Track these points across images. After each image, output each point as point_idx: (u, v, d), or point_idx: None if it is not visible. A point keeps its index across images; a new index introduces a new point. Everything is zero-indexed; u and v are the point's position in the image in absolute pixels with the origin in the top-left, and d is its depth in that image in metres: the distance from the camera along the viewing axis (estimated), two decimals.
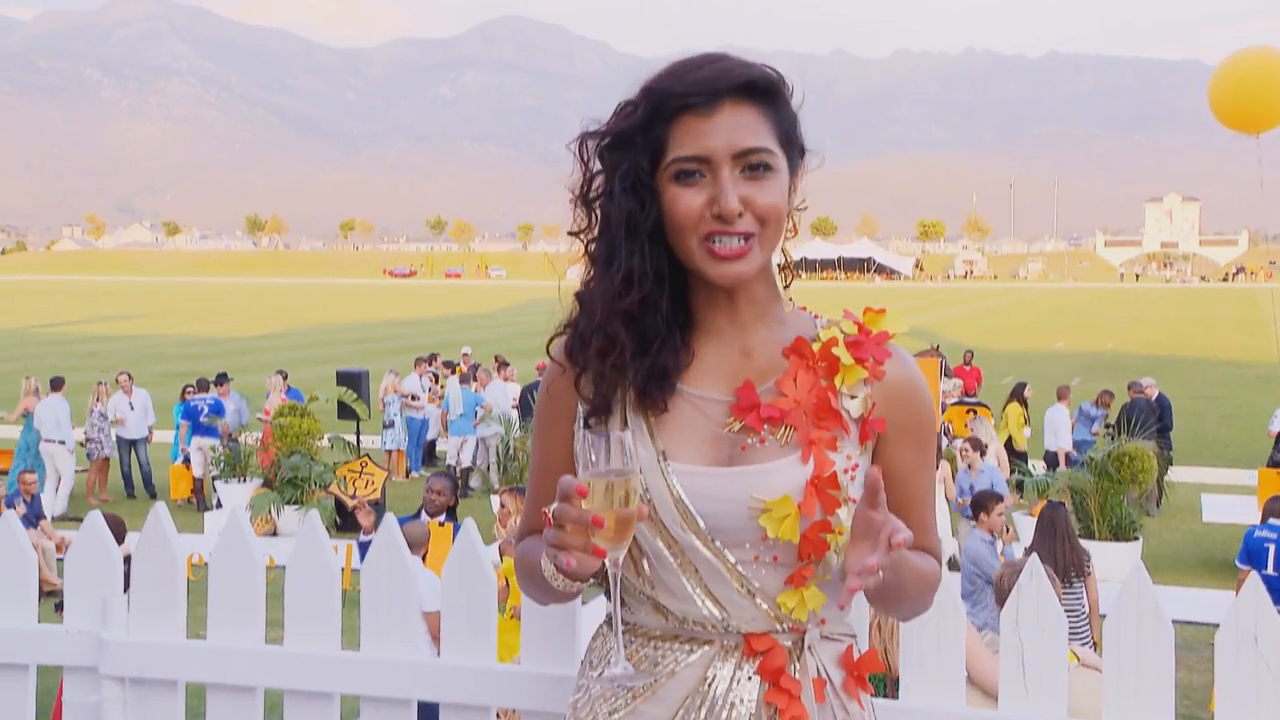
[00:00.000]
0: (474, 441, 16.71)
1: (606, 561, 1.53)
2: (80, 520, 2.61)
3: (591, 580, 1.63)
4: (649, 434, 1.65)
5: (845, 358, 1.65)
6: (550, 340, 1.75)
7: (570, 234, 1.70)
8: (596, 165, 1.66)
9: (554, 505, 1.50)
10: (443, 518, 7.79)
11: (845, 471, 1.63)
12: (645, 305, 1.64)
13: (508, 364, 19.15)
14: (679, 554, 1.63)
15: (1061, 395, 16.52)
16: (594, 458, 1.51)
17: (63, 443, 15.13)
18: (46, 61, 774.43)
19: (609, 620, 1.72)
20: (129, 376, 17.04)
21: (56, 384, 15.70)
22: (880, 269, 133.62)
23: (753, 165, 1.60)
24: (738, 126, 1.61)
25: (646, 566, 1.66)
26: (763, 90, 1.63)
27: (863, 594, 1.99)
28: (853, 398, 1.65)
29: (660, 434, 1.65)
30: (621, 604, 1.70)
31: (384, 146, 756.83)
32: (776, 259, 1.72)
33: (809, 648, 1.67)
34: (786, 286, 1.74)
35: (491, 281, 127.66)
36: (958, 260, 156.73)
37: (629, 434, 1.55)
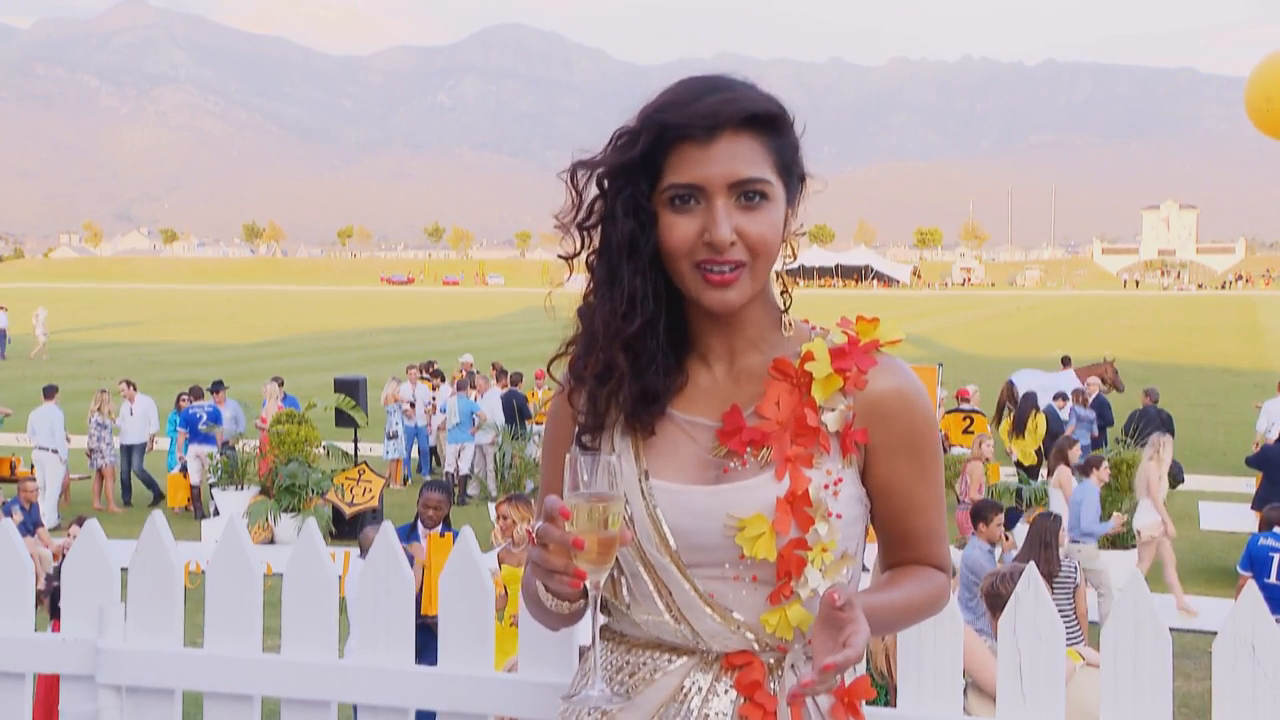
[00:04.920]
0: (471, 449, 16.71)
1: (587, 584, 1.53)
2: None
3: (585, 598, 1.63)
4: (635, 454, 1.66)
5: (818, 370, 1.64)
6: (551, 361, 1.75)
7: (561, 258, 1.71)
8: (592, 192, 1.66)
9: (537, 524, 1.51)
10: (440, 528, 7.75)
11: (825, 487, 1.62)
12: (646, 329, 1.64)
13: (506, 372, 19.13)
14: (654, 575, 1.64)
15: None
16: (579, 479, 1.52)
17: (55, 451, 15.12)
18: (44, 69, 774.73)
19: (592, 641, 1.70)
20: (128, 384, 17.05)
21: (49, 392, 15.71)
22: (878, 276, 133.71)
23: (748, 194, 1.60)
24: (735, 157, 1.60)
25: (625, 587, 1.68)
26: (764, 121, 1.63)
27: None
28: (831, 410, 1.64)
29: (647, 455, 1.66)
30: (605, 614, 1.73)
31: (382, 154, 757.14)
32: (777, 285, 1.72)
33: (791, 665, 1.65)
34: (785, 310, 1.72)
35: (489, 289, 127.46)
36: (955, 267, 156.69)
37: (616, 458, 1.55)
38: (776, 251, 1.65)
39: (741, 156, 1.61)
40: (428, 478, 16.81)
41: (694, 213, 1.60)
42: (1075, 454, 11.64)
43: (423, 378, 18.62)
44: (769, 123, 1.64)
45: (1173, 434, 16.03)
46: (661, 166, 1.62)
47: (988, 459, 12.44)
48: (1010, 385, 17.68)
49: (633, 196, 1.62)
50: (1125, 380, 21.17)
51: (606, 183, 1.65)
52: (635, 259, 1.63)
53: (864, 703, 1.71)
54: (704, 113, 1.60)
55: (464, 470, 16.69)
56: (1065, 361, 21.47)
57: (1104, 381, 19.82)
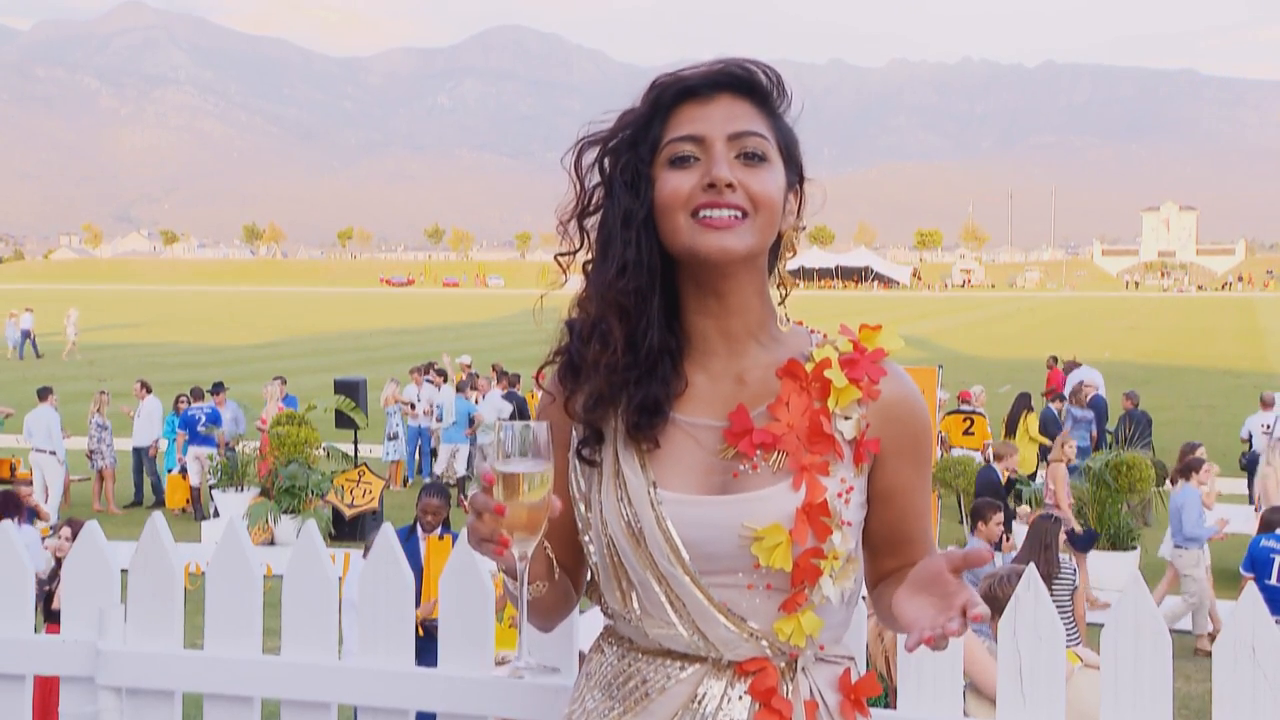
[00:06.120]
0: (465, 450, 16.75)
1: (514, 554, 1.55)
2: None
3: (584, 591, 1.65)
4: (640, 464, 1.64)
5: (838, 380, 1.64)
6: (540, 369, 1.74)
7: (557, 257, 1.71)
8: (594, 178, 1.67)
9: (473, 492, 1.55)
10: (439, 531, 7.74)
11: (839, 496, 1.62)
12: (638, 296, 1.62)
13: (506, 373, 19.13)
14: (666, 587, 1.63)
15: (1267, 404, 16.63)
16: (505, 448, 1.52)
17: (53, 453, 15.14)
18: (44, 70, 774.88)
19: (520, 613, 1.70)
20: (142, 384, 17.06)
21: (43, 394, 15.72)
22: (878, 278, 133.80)
23: (748, 153, 1.61)
24: (734, 114, 1.63)
25: (635, 599, 1.66)
26: (762, 93, 1.66)
27: (862, 610, 1.99)
28: (846, 419, 1.64)
29: (653, 463, 1.64)
30: (614, 621, 1.72)
31: (382, 155, 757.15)
32: (773, 281, 1.72)
33: (802, 669, 1.66)
34: (781, 302, 1.72)
35: (489, 290, 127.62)
36: (955, 269, 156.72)
37: (544, 425, 1.55)
38: (777, 215, 1.64)
39: (742, 114, 1.63)
40: (426, 479, 16.82)
41: (692, 168, 1.61)
42: (1200, 455, 11.38)
43: (429, 378, 18.59)
44: (767, 99, 1.66)
45: (1151, 435, 16.36)
46: (662, 129, 1.63)
47: (1071, 460, 12.15)
48: (1081, 386, 17.91)
49: (630, 163, 1.63)
50: (1124, 382, 21.24)
51: (608, 160, 1.66)
52: (629, 227, 1.62)
53: (865, 700, 1.73)
54: (704, 71, 1.64)
55: (460, 471, 16.74)
56: (1053, 362, 21.65)
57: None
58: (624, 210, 1.63)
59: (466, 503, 1.49)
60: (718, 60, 1.66)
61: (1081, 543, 11.43)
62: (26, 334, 38.97)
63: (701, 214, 1.59)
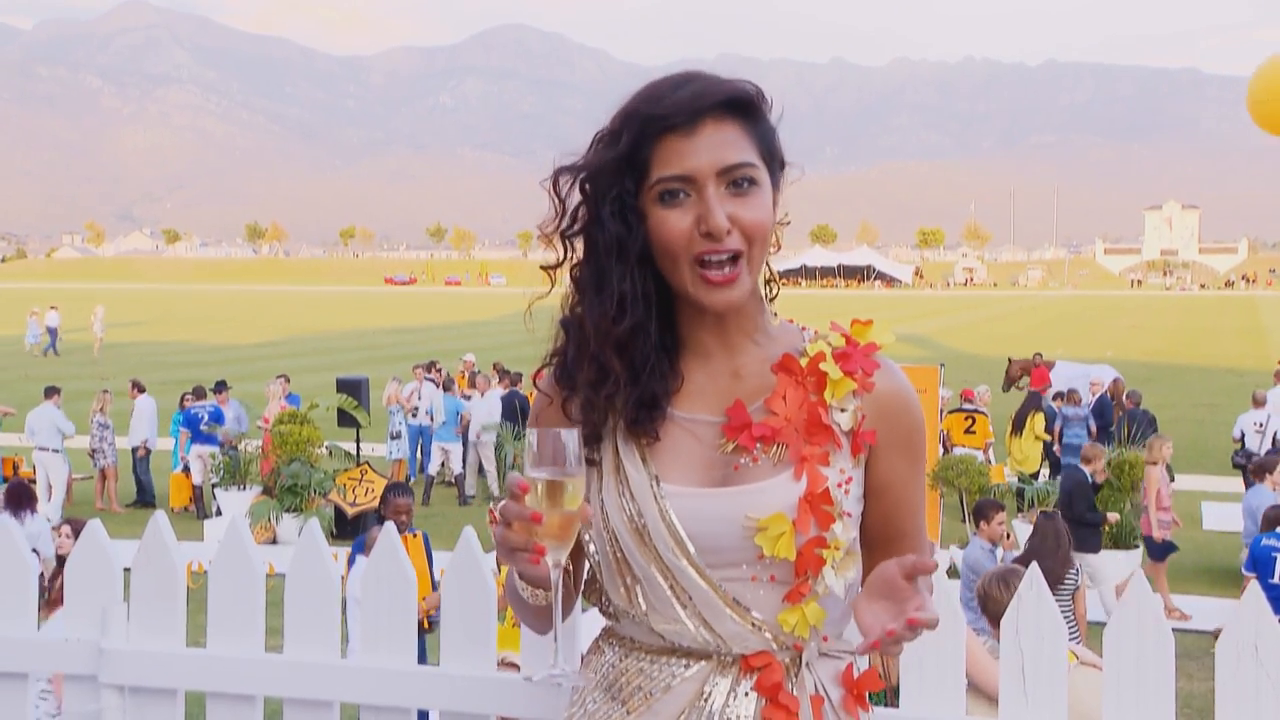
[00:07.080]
0: (458, 449, 16.74)
1: (549, 562, 1.55)
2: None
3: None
4: (641, 459, 1.65)
5: (833, 372, 1.65)
6: (537, 371, 1.75)
7: (543, 269, 1.70)
8: (575, 198, 1.66)
9: (502, 503, 1.54)
10: (410, 530, 7.75)
11: (839, 486, 1.63)
12: (636, 331, 1.63)
13: (508, 372, 19.12)
14: (671, 580, 1.63)
15: (1259, 402, 16.73)
16: (538, 456, 1.53)
17: (57, 451, 15.16)
18: (46, 69, 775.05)
19: (553, 619, 1.68)
20: (132, 384, 17.06)
21: (49, 392, 15.74)
22: (880, 276, 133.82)
23: (737, 181, 1.60)
24: (720, 144, 1.60)
25: (640, 594, 1.66)
26: (743, 106, 1.63)
27: None
28: (843, 410, 1.65)
29: (653, 459, 1.65)
30: (616, 620, 1.72)
31: (384, 154, 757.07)
32: (762, 274, 1.71)
33: (807, 664, 1.66)
34: (772, 298, 1.74)
35: (491, 289, 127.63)
36: (957, 268, 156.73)
37: (574, 433, 1.55)
38: (770, 237, 1.64)
39: (727, 143, 1.60)
40: (428, 478, 16.80)
41: (685, 205, 1.59)
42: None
43: (430, 377, 18.58)
44: (748, 108, 1.64)
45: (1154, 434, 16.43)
46: (647, 162, 1.60)
47: (1166, 461, 11.86)
48: (1116, 382, 18.14)
49: (619, 196, 1.61)
50: (1127, 381, 21.24)
51: (589, 186, 1.64)
52: (624, 261, 1.62)
53: (868, 698, 1.74)
54: (685, 101, 1.60)
55: (456, 470, 16.73)
56: (1039, 358, 21.71)
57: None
58: (616, 242, 1.62)
59: (496, 511, 1.59)
60: (694, 81, 1.62)
61: (1158, 552, 11.31)
62: (53, 331, 39.34)
63: (702, 262, 1.59)
